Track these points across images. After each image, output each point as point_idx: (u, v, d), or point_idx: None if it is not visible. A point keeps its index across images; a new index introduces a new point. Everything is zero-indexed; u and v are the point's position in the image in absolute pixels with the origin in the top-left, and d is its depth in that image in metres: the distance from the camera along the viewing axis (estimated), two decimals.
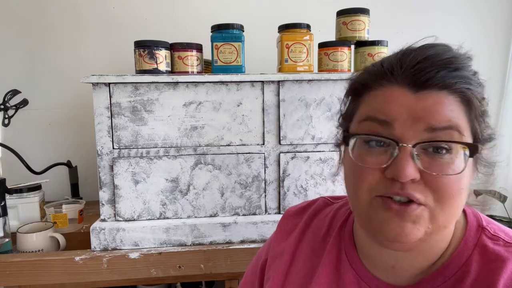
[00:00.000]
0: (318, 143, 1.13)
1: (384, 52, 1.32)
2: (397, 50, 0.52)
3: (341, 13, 1.33)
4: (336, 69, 1.28)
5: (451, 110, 0.46)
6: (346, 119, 0.56)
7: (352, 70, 1.34)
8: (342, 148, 0.57)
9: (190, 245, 1.09)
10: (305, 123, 1.11)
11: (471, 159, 0.46)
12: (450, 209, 0.46)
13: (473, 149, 0.46)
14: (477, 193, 0.54)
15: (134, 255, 1.04)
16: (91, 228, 1.07)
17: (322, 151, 1.13)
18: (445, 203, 0.46)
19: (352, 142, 0.50)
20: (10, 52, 1.56)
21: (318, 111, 1.11)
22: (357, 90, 0.54)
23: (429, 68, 0.47)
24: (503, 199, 1.38)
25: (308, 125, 1.11)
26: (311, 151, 1.13)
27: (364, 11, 1.32)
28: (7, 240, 1.14)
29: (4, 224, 1.14)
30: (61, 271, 1.03)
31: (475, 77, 0.49)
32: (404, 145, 0.45)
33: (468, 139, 0.47)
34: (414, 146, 0.45)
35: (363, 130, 0.49)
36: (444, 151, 0.45)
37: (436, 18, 1.68)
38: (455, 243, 0.52)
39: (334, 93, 1.12)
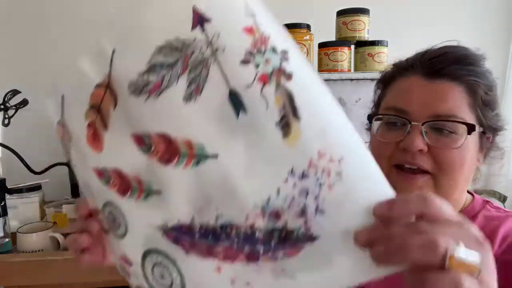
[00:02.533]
0: None
1: (384, 52, 1.32)
2: (418, 51, 0.62)
3: (341, 13, 1.33)
4: (336, 69, 1.28)
5: (455, 100, 0.56)
6: (376, 105, 0.68)
7: (352, 70, 1.34)
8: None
9: None
10: None
11: (472, 138, 0.56)
12: (453, 178, 0.56)
13: (470, 128, 0.56)
14: (477, 193, 0.65)
15: None
16: None
17: None
18: (447, 172, 0.56)
19: (377, 123, 0.62)
20: (10, 52, 1.56)
21: None
22: (386, 81, 0.65)
23: (444, 61, 0.57)
24: (503, 199, 1.38)
25: None
26: None
27: (364, 11, 1.32)
28: (7, 240, 1.14)
29: (4, 224, 1.14)
30: (61, 271, 1.02)
31: (486, 72, 0.59)
32: (415, 123, 0.57)
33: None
34: (422, 124, 0.56)
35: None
36: (446, 131, 0.56)
37: (436, 18, 1.68)
38: (462, 210, 0.62)
39: (334, 94, 1.12)
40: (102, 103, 0.40)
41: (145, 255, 0.43)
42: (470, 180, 0.60)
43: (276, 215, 0.34)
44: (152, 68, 0.35)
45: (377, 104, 0.67)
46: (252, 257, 0.36)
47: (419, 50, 0.62)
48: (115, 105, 0.39)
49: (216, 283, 0.38)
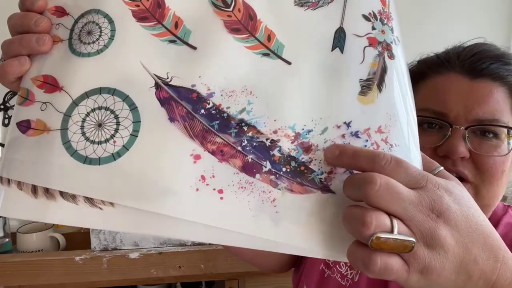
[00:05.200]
0: None
1: None
2: (449, 47, 0.59)
3: None
4: None
5: (498, 102, 0.52)
6: None
7: None
8: None
9: (190, 245, 1.09)
10: None
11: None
12: (493, 188, 0.52)
13: None
14: None
15: (134, 255, 1.04)
16: (91, 228, 1.07)
17: None
18: (490, 181, 0.51)
19: None
20: None
21: None
22: (413, 79, 0.60)
23: (484, 60, 0.53)
24: (503, 199, 1.38)
25: None
26: None
27: None
28: (7, 240, 1.14)
29: (4, 224, 1.14)
30: (61, 271, 1.02)
31: None
32: (457, 127, 0.51)
33: None
34: (466, 128, 0.51)
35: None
36: (491, 135, 0.52)
37: (436, 18, 1.68)
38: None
39: None
40: None
41: (95, 92, 0.33)
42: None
43: (307, 148, 0.33)
44: None
45: None
46: (251, 168, 0.32)
47: (451, 46, 0.58)
48: None
49: (179, 167, 0.31)
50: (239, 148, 0.32)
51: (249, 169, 0.32)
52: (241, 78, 0.33)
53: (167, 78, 0.33)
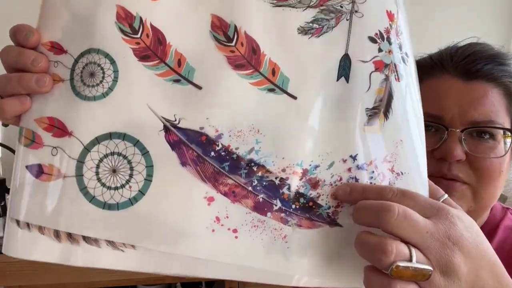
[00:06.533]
0: None
1: None
2: (442, 48, 0.58)
3: None
4: None
5: (493, 103, 0.52)
6: None
7: None
8: None
9: None
10: None
11: (508, 143, 0.53)
12: (491, 189, 0.52)
13: (511, 133, 0.52)
14: None
15: None
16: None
17: None
18: (487, 183, 0.51)
19: None
20: None
21: None
22: None
23: (478, 61, 0.53)
24: (503, 199, 1.38)
25: None
26: None
27: None
28: None
29: (4, 224, 1.14)
30: (61, 271, 1.02)
31: None
32: (453, 130, 0.51)
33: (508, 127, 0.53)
34: (462, 131, 0.51)
35: None
36: (487, 136, 0.51)
37: (436, 17, 1.68)
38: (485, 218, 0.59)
39: None
40: None
41: (105, 138, 0.33)
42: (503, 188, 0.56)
43: (315, 184, 0.33)
44: None
45: None
46: (262, 207, 0.33)
47: (444, 47, 0.58)
48: None
49: (194, 211, 0.32)
50: (250, 188, 0.33)
51: (260, 208, 0.33)
52: (247, 117, 0.33)
53: (175, 120, 0.33)
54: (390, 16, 0.35)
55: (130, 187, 0.32)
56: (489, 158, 0.51)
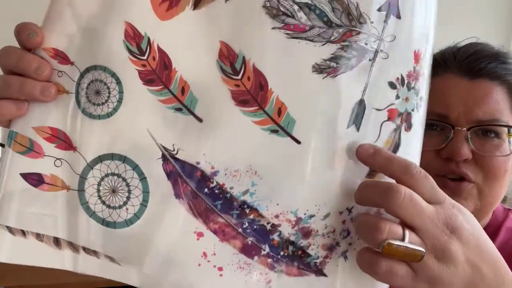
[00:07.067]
0: None
1: None
2: (443, 47, 0.58)
3: None
4: None
5: (497, 101, 0.52)
6: None
7: None
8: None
9: None
10: None
11: None
12: (496, 187, 0.53)
13: None
14: None
15: None
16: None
17: None
18: (493, 181, 0.52)
19: None
20: None
21: None
22: None
23: (482, 59, 0.53)
24: (503, 199, 1.38)
25: None
26: None
27: None
28: None
29: None
30: (61, 271, 1.02)
31: None
32: (459, 128, 0.51)
33: None
34: (468, 129, 0.51)
35: None
36: (492, 135, 0.52)
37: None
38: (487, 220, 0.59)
39: None
40: None
41: (108, 157, 0.33)
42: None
43: (307, 233, 0.33)
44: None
45: None
46: (250, 250, 0.32)
47: (445, 47, 0.58)
48: None
49: (184, 243, 0.32)
50: (239, 230, 0.32)
51: (248, 251, 0.33)
52: (246, 157, 0.32)
53: (173, 150, 0.32)
54: (417, 56, 0.32)
55: (127, 209, 0.33)
56: (495, 157, 0.52)
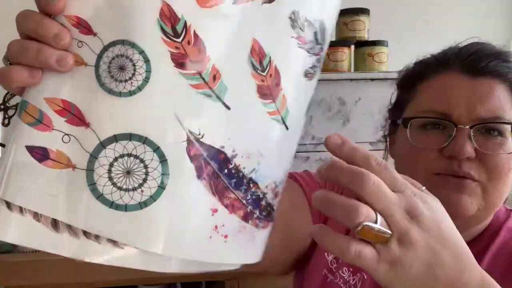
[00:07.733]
0: (318, 143, 1.13)
1: (384, 52, 1.32)
2: (444, 47, 0.58)
3: (341, 13, 1.33)
4: (336, 69, 1.29)
5: (500, 99, 0.52)
6: (397, 109, 0.62)
7: (352, 70, 1.34)
8: (389, 138, 0.65)
9: None
10: (306, 123, 1.11)
11: None
12: (500, 186, 0.52)
13: None
14: None
15: None
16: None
17: (322, 151, 1.13)
18: (496, 180, 0.52)
19: (409, 126, 0.56)
20: None
21: (318, 111, 1.12)
22: (411, 81, 0.60)
23: (484, 58, 0.54)
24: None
25: (308, 125, 1.11)
26: (311, 151, 1.13)
27: (364, 11, 1.32)
28: None
29: None
30: (61, 271, 1.03)
31: None
32: (462, 126, 0.51)
33: None
34: (471, 127, 0.51)
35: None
36: (496, 133, 0.52)
37: (436, 18, 1.68)
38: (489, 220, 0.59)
39: (334, 93, 1.12)
40: None
41: (125, 137, 0.31)
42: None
43: (276, 194, 0.38)
44: None
45: (401, 106, 0.60)
46: (247, 216, 0.36)
47: (445, 47, 0.58)
48: None
49: (199, 220, 0.33)
50: (244, 201, 0.35)
51: (246, 217, 0.36)
52: (258, 141, 0.35)
53: (199, 134, 0.32)
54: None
55: (142, 191, 0.31)
56: (499, 155, 0.51)
